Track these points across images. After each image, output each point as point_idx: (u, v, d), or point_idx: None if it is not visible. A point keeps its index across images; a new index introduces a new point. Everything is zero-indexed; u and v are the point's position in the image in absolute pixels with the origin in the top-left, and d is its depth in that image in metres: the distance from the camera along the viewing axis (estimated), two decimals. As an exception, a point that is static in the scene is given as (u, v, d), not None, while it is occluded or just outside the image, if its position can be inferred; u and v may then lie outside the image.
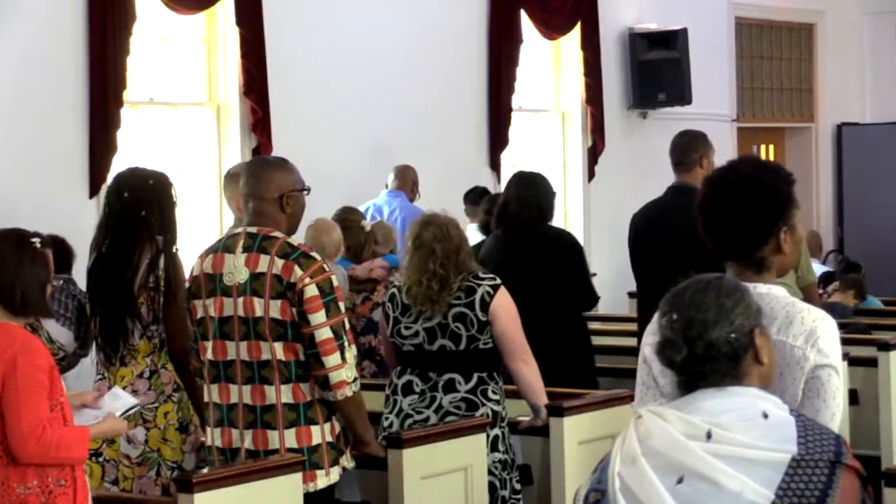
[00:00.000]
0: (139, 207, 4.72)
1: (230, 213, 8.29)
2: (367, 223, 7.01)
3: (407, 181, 8.75)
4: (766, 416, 2.47)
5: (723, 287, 2.58)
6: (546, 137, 11.00)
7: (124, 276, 4.70)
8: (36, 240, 3.99)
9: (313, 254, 4.26)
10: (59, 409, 3.88)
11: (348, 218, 6.88)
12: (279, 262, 4.20)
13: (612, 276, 10.14)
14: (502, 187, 10.23)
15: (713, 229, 3.02)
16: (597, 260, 9.92)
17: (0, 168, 7.40)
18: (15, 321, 3.92)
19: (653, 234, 6.30)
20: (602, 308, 8.96)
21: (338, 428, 4.30)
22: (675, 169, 6.38)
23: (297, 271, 4.18)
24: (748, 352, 2.55)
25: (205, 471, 4.19)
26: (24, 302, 3.90)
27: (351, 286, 6.56)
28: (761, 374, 2.58)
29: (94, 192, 7.73)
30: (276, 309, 4.18)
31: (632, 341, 6.73)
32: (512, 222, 6.27)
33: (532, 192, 6.28)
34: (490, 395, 5.00)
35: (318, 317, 4.16)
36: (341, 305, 4.23)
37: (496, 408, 5.00)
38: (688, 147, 6.34)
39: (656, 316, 2.65)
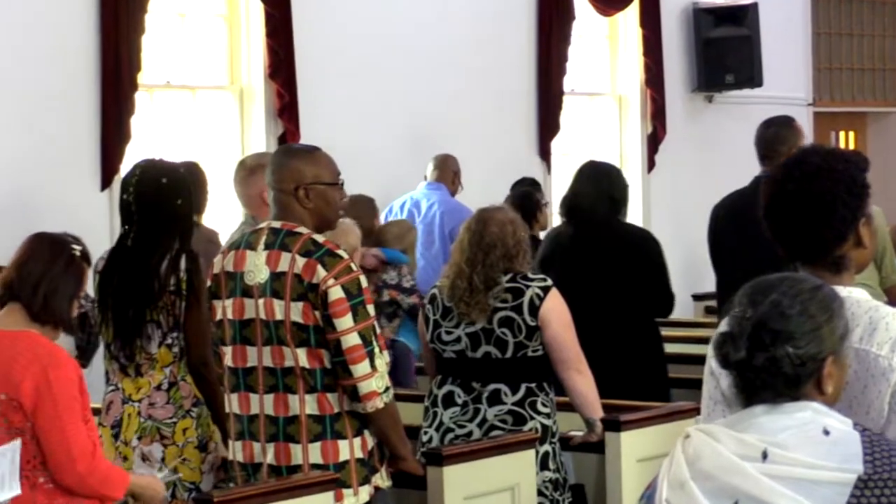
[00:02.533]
0: (175, 197, 4.70)
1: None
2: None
3: (447, 172, 8.74)
4: (827, 432, 2.43)
5: (817, 299, 2.52)
6: (601, 124, 10.97)
7: (150, 273, 4.68)
8: (77, 247, 4.01)
9: (340, 252, 4.24)
10: (88, 428, 3.91)
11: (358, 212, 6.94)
12: (300, 261, 4.19)
13: (674, 277, 10.06)
14: (552, 178, 10.28)
15: (785, 232, 2.99)
16: (657, 259, 9.85)
17: (4, 158, 7.44)
18: (33, 328, 3.93)
19: (735, 228, 6.26)
20: (664, 312, 8.91)
21: (370, 443, 4.29)
22: (760, 161, 6.35)
23: (321, 271, 4.17)
24: (811, 378, 2.50)
25: (221, 491, 4.20)
26: (45, 306, 3.92)
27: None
28: (823, 403, 2.54)
29: (106, 183, 7.77)
30: (297, 312, 4.18)
31: (697, 348, 6.69)
32: (583, 217, 6.22)
33: (606, 184, 6.25)
34: (539, 407, 4.99)
35: (345, 321, 4.15)
36: (370, 309, 4.21)
37: (546, 422, 4.99)
38: (775, 141, 6.30)
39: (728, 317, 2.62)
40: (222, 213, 8.53)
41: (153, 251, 4.69)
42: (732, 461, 2.41)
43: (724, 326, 2.59)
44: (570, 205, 6.31)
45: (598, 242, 6.17)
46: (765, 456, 2.41)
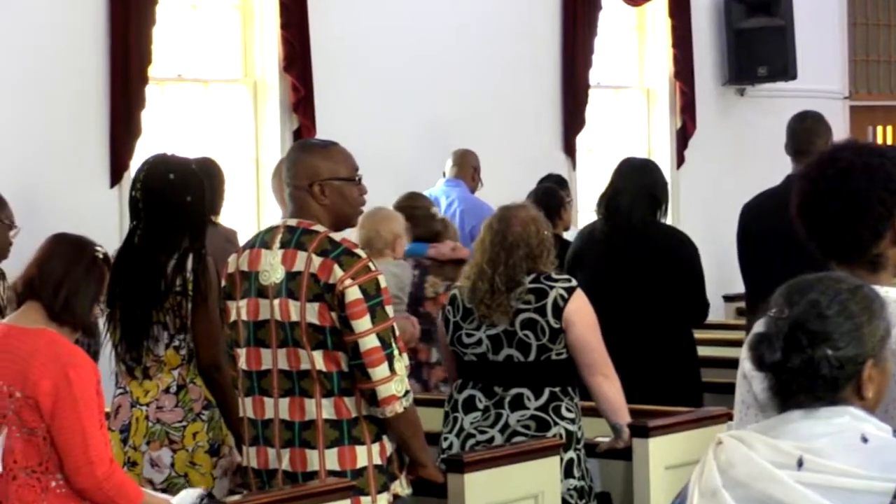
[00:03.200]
0: (184, 193, 4.72)
1: (270, 206, 8.41)
2: (438, 209, 7.02)
3: (467, 168, 8.74)
4: (865, 439, 2.43)
5: (857, 299, 2.51)
6: (628, 118, 10.95)
7: (157, 273, 4.70)
8: (99, 249, 4.05)
9: (358, 251, 4.26)
10: (103, 431, 3.94)
11: (414, 206, 6.90)
12: (317, 261, 4.20)
13: (705, 278, 10.05)
14: (578, 175, 10.27)
15: (819, 230, 2.99)
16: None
17: (10, 154, 7.47)
18: (50, 327, 3.96)
19: (766, 228, 6.24)
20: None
21: (389, 449, 4.30)
22: (793, 157, 6.31)
23: (337, 271, 4.18)
24: (850, 382, 2.49)
25: (234, 498, 4.21)
26: (66, 307, 3.95)
27: (433, 271, 6.57)
28: (862, 408, 2.53)
29: (115, 180, 7.79)
30: (312, 313, 4.19)
31: (729, 351, 6.68)
32: (621, 216, 6.20)
33: (648, 182, 6.23)
34: (564, 412, 4.99)
35: (363, 323, 4.16)
36: (389, 310, 4.23)
37: (571, 427, 4.99)
38: (810, 134, 6.27)
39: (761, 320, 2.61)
40: (237, 212, 8.55)
41: (160, 249, 4.71)
42: (766, 469, 2.41)
43: (759, 327, 2.58)
44: (609, 203, 6.28)
45: (634, 243, 6.15)
46: (800, 463, 2.40)
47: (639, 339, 6.01)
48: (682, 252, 6.18)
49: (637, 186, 6.19)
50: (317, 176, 4.31)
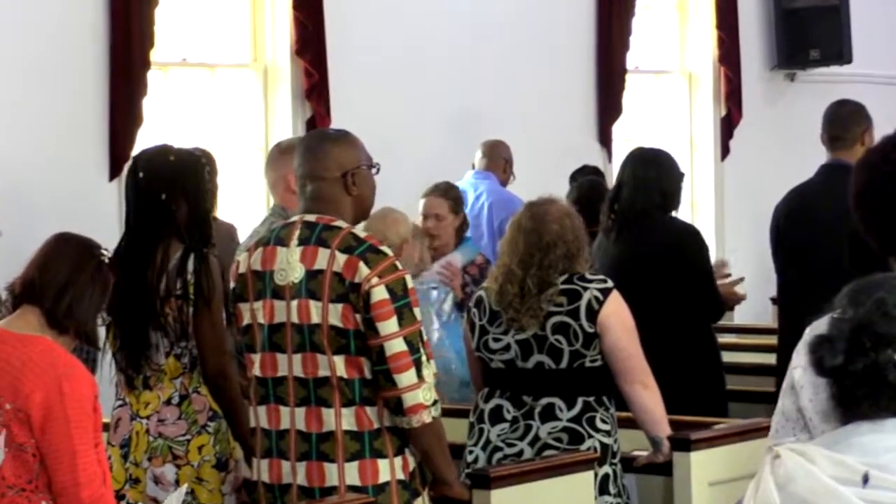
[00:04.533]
0: (157, 191, 4.74)
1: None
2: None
3: (498, 160, 8.76)
4: None
5: None
6: (669, 105, 10.95)
7: (146, 280, 4.72)
8: (105, 253, 4.07)
9: (384, 248, 4.28)
10: (97, 452, 3.92)
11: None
12: (341, 258, 4.22)
13: (750, 277, 10.04)
14: (614, 166, 10.26)
15: (879, 221, 2.98)
16: (731, 258, 9.84)
17: (2, 146, 7.50)
18: (48, 335, 3.97)
19: (800, 224, 6.25)
20: (738, 317, 8.89)
21: (412, 463, 4.32)
22: (830, 145, 6.33)
23: (363, 269, 4.20)
24: None
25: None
26: (69, 314, 3.96)
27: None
28: None
29: (115, 172, 7.82)
30: (335, 315, 4.21)
31: (773, 358, 6.68)
32: (625, 211, 6.25)
33: (654, 174, 6.24)
34: (598, 424, 5.00)
35: (389, 325, 4.18)
36: (416, 312, 4.24)
37: (606, 440, 5.00)
38: (849, 120, 6.28)
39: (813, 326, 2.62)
40: (245, 206, 8.58)
41: (143, 255, 4.73)
42: (829, 485, 2.41)
43: (819, 328, 2.58)
44: (612, 198, 6.32)
45: (635, 241, 6.17)
46: (865, 480, 2.41)
47: (655, 344, 6.02)
48: (684, 246, 6.18)
49: (642, 178, 6.21)
50: (349, 165, 4.34)
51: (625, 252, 6.19)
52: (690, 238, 6.26)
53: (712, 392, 6.24)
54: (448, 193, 7.10)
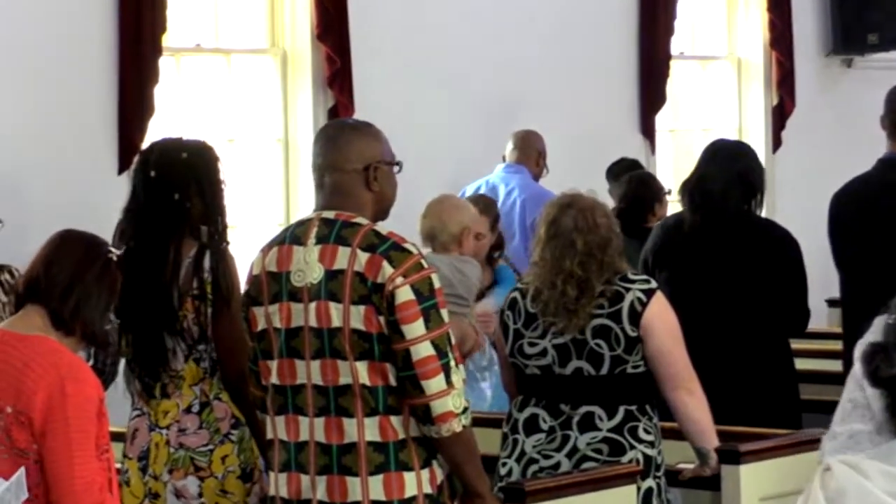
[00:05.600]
0: (170, 189, 4.77)
1: (301, 194, 8.45)
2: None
3: (530, 152, 8.76)
4: None
5: None
6: (716, 93, 10.93)
7: (160, 280, 4.75)
8: (113, 252, 4.08)
9: (408, 245, 4.28)
10: (105, 459, 3.93)
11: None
12: (363, 257, 4.22)
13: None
14: (657, 159, 10.26)
15: None
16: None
17: (3, 136, 7.53)
18: (54, 336, 3.98)
19: (857, 219, 6.23)
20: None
21: (440, 476, 4.32)
22: (890, 134, 6.31)
23: (387, 268, 4.20)
24: None
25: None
26: (75, 314, 3.97)
27: None
28: None
29: (124, 166, 7.84)
30: (358, 317, 4.21)
31: (833, 364, 6.66)
32: (712, 207, 6.17)
33: (742, 167, 6.20)
34: (641, 434, 5.00)
35: (415, 328, 4.18)
36: (444, 313, 4.24)
37: (649, 451, 5.00)
38: None
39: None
40: (263, 202, 8.60)
41: (154, 255, 4.75)
42: (882, 500, 2.41)
43: (873, 335, 2.57)
44: (696, 190, 6.25)
45: (728, 238, 6.13)
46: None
47: (729, 350, 6.00)
48: (785, 250, 6.15)
49: (729, 172, 6.18)
50: (373, 158, 4.34)
51: (713, 250, 6.13)
52: (791, 244, 6.21)
53: (789, 405, 6.19)
54: (489, 210, 7.02)
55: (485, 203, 7.11)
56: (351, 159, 4.34)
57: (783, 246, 6.17)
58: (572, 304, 4.98)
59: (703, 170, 6.28)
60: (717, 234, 6.14)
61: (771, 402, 6.07)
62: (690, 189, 6.26)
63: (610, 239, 5.02)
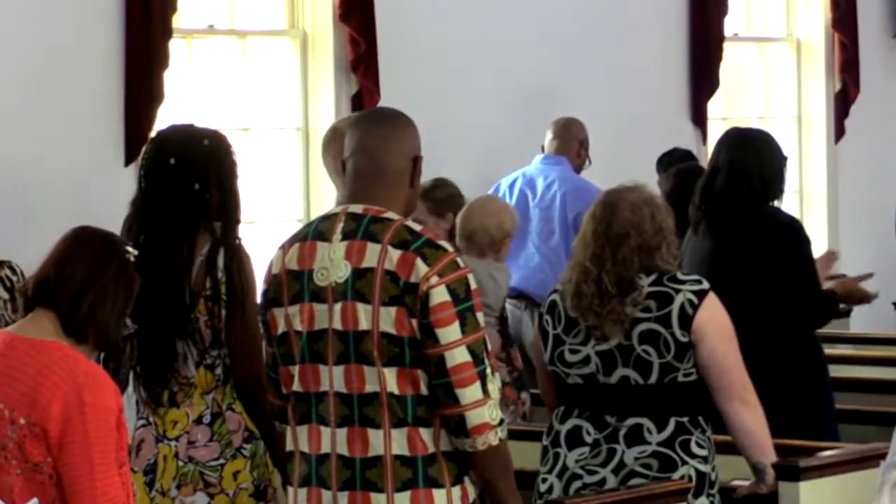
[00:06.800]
0: (191, 178, 4.79)
1: (322, 186, 8.45)
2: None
3: (571, 142, 8.74)
4: None
5: None
6: (774, 78, 10.90)
7: (171, 278, 4.76)
8: (130, 252, 4.09)
9: (442, 242, 4.27)
10: (124, 473, 3.93)
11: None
12: (394, 254, 4.22)
13: (871, 279, 10.00)
14: (709, 148, 10.23)
15: None
16: (847, 255, 9.79)
17: (4, 125, 7.55)
18: (66, 342, 3.99)
19: None
20: (855, 325, 8.85)
21: (472, 493, 4.30)
22: None
23: (421, 267, 4.19)
24: None
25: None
26: (88, 319, 3.97)
27: None
28: None
29: (131, 156, 7.87)
30: (388, 320, 4.21)
31: (899, 373, 6.67)
32: (719, 200, 6.22)
33: (752, 158, 6.24)
34: (693, 448, 4.99)
35: (451, 332, 4.17)
36: (480, 317, 4.23)
37: (702, 467, 4.99)
38: None
39: None
40: (281, 194, 8.61)
41: (167, 251, 4.76)
42: None
43: None
44: (704, 186, 6.30)
45: (734, 236, 6.15)
46: None
47: (747, 355, 6.00)
48: (781, 240, 6.16)
49: (736, 163, 6.20)
50: (418, 150, 4.36)
51: (716, 248, 6.17)
52: (787, 231, 6.24)
53: (818, 410, 6.20)
54: (430, 193, 6.93)
55: (426, 187, 6.90)
56: (402, 150, 4.34)
57: (785, 236, 6.18)
58: (601, 307, 4.97)
59: (713, 162, 6.34)
60: (723, 230, 6.17)
61: (800, 410, 6.08)
62: (701, 184, 6.31)
63: (661, 236, 5.01)
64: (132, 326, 4.58)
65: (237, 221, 4.86)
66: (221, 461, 4.75)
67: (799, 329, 6.21)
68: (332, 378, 4.29)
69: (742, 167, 6.22)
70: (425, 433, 4.24)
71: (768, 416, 5.73)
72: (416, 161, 4.35)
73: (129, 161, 7.87)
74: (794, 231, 6.26)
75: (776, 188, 6.31)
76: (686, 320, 4.97)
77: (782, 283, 6.13)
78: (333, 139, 5.76)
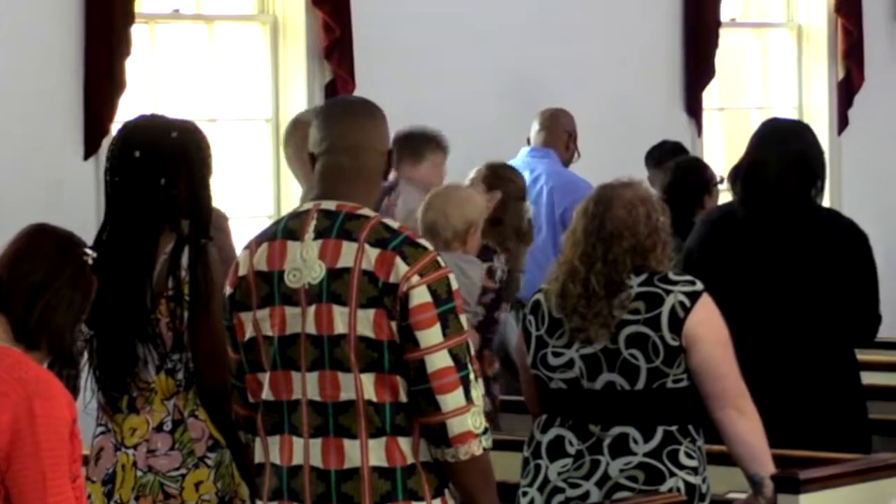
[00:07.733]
0: (156, 172, 4.80)
1: (295, 184, 8.45)
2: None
3: (559, 133, 8.76)
4: None
5: None
6: (773, 66, 10.93)
7: (131, 277, 4.77)
8: (89, 254, 4.08)
9: (422, 241, 4.28)
10: (77, 486, 3.93)
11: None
12: (372, 253, 4.22)
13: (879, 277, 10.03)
14: (704, 142, 10.25)
15: None
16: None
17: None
18: (17, 348, 3.99)
19: None
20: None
21: (453, 507, 4.35)
22: None
23: (401, 266, 4.19)
24: None
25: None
26: (41, 324, 3.97)
27: None
28: None
29: (91, 149, 7.88)
30: (366, 323, 4.21)
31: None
32: (767, 195, 6.18)
33: (799, 150, 6.20)
34: (682, 459, 5.01)
35: (431, 335, 4.17)
36: (463, 319, 4.24)
37: (692, 479, 5.01)
38: None
39: None
40: (250, 188, 8.61)
41: (129, 249, 4.77)
42: None
43: None
44: (748, 178, 6.25)
45: (786, 233, 6.13)
46: None
47: (787, 362, 6.00)
48: (852, 245, 6.14)
49: (785, 156, 6.18)
50: (389, 143, 4.39)
51: (771, 245, 6.13)
52: (860, 238, 6.19)
53: (856, 423, 6.18)
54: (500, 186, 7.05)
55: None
56: (377, 145, 4.35)
57: (850, 240, 6.17)
58: (587, 308, 4.99)
59: (755, 154, 6.27)
60: (772, 228, 6.14)
61: (836, 423, 6.06)
62: (742, 177, 6.26)
63: (656, 236, 5.02)
64: (87, 332, 4.58)
65: (208, 219, 4.87)
66: (183, 471, 4.76)
67: (847, 340, 6.19)
68: (306, 385, 4.29)
69: (792, 160, 6.13)
70: (404, 443, 4.25)
71: (813, 427, 5.77)
72: (389, 155, 4.37)
73: (88, 154, 7.88)
74: (863, 239, 6.23)
75: (821, 185, 6.29)
76: (677, 323, 4.97)
77: (846, 292, 6.11)
78: (295, 131, 5.79)
